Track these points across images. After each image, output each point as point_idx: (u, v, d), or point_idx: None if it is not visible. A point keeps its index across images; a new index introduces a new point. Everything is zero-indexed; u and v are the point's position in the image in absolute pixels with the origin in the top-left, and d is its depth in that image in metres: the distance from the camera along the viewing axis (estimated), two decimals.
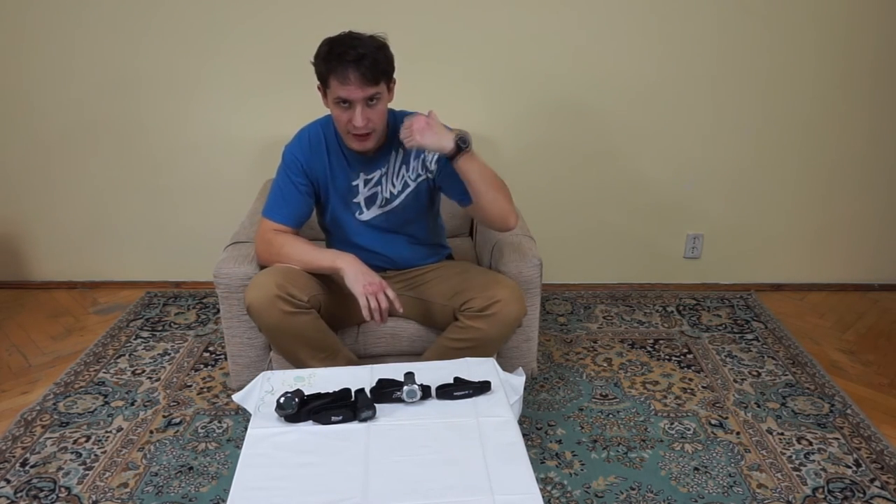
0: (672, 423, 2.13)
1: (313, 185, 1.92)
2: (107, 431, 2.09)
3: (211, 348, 2.55)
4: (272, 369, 1.95)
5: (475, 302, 1.81)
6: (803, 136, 2.79)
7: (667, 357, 2.50)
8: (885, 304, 2.92)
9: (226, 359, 2.13)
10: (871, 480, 1.89)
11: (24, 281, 3.02)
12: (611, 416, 2.16)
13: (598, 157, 2.83)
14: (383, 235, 1.97)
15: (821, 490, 1.86)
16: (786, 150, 2.82)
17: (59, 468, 1.94)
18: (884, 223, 2.94)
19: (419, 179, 1.92)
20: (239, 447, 1.66)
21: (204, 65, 2.68)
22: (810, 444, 2.04)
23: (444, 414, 1.50)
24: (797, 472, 1.92)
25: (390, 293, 1.77)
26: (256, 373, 1.74)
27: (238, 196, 2.73)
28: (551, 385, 2.32)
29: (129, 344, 2.57)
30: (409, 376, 1.54)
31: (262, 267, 1.94)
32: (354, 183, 1.91)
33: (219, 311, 2.06)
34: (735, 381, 2.35)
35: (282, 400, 1.46)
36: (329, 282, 1.88)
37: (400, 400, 1.52)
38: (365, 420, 1.47)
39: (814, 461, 1.97)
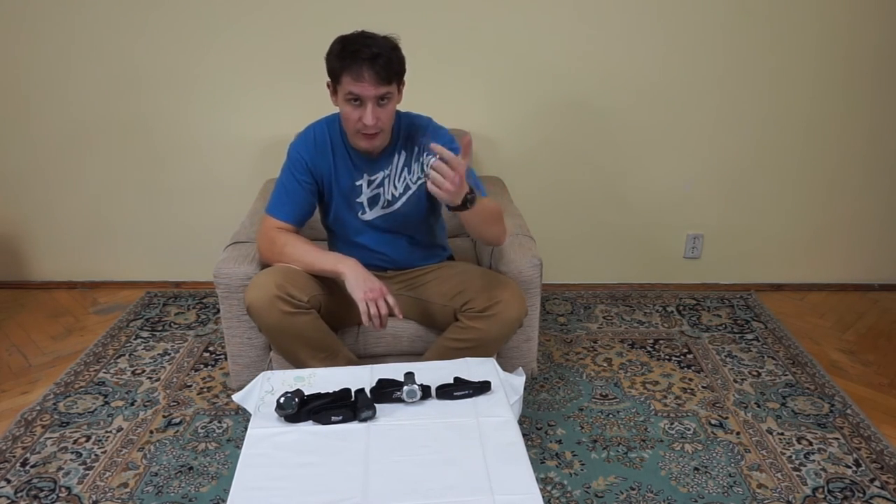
0: (672, 424, 2.13)
1: (317, 183, 1.92)
2: (107, 431, 2.09)
3: (211, 348, 2.55)
4: (272, 369, 1.94)
5: (476, 302, 1.81)
6: (803, 136, 2.80)
7: (667, 357, 2.50)
8: (885, 304, 2.92)
9: (226, 359, 2.13)
10: (871, 480, 1.89)
11: (24, 281, 3.02)
12: (611, 416, 2.16)
13: (599, 157, 2.83)
14: (385, 235, 1.97)
15: (821, 490, 1.86)
16: (786, 151, 2.82)
17: (60, 468, 1.94)
18: (884, 223, 2.94)
19: (420, 182, 1.91)
20: (239, 447, 1.66)
21: (204, 65, 2.67)
22: (810, 444, 2.04)
23: (444, 414, 1.50)
24: (797, 472, 1.92)
25: (390, 299, 1.77)
26: (256, 373, 1.74)
27: (238, 196, 2.73)
28: (551, 385, 2.32)
29: (129, 344, 2.57)
30: (409, 376, 1.54)
31: (262, 266, 1.94)
32: (358, 183, 1.91)
33: (219, 311, 2.06)
34: (735, 381, 2.35)
35: (282, 400, 1.46)
36: (329, 282, 1.88)
37: (400, 400, 1.52)
38: (365, 420, 1.47)
39: (814, 461, 1.97)
